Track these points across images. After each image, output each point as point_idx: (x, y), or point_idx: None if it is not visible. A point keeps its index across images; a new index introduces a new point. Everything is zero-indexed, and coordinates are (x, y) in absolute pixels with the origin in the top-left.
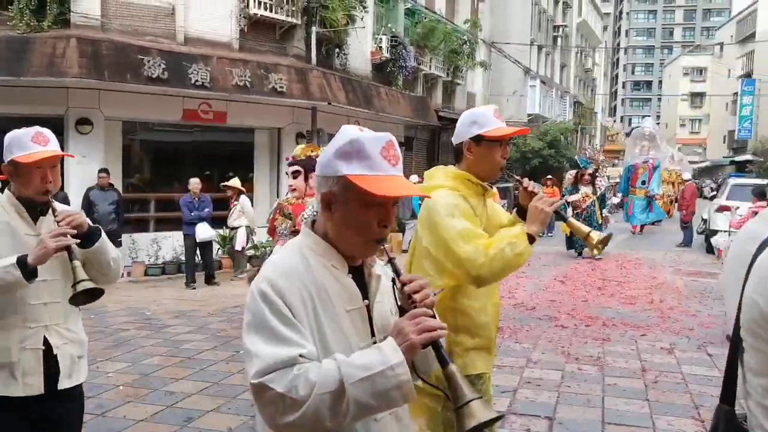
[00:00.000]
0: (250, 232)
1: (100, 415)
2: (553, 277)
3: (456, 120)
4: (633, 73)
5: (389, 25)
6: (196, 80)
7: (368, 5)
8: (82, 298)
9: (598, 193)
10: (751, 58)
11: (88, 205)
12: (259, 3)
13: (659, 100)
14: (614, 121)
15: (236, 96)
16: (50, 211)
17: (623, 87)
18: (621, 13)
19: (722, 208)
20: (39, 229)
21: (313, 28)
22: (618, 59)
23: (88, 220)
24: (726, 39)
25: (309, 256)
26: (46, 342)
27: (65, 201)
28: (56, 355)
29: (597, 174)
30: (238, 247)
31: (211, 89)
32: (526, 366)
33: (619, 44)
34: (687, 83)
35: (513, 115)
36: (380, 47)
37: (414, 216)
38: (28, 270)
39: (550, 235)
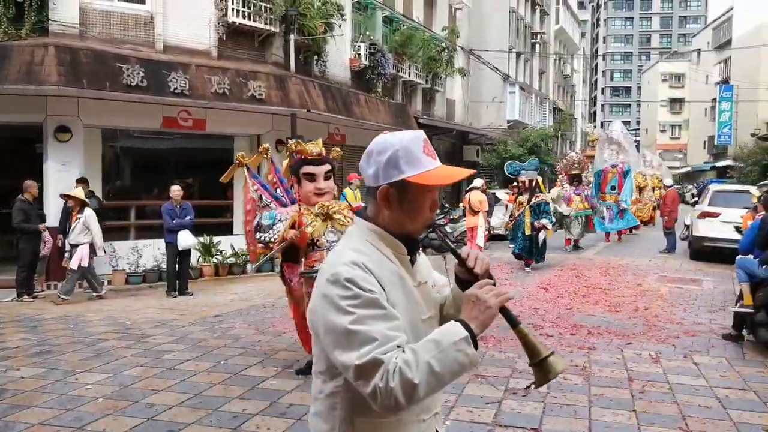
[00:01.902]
0: (92, 250)
1: (79, 429)
2: (537, 284)
3: (436, 127)
4: (612, 79)
5: (367, 32)
6: (176, 88)
7: (346, 13)
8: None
9: (533, 202)
10: (728, 64)
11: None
12: (238, 11)
13: (639, 105)
14: (594, 126)
15: (215, 103)
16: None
17: (602, 93)
18: (598, 20)
19: (704, 215)
20: (416, 275)
21: (292, 36)
22: (596, 65)
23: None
24: (702, 46)
25: None
26: None
27: (42, 214)
28: None
29: (581, 178)
30: (74, 266)
31: (191, 97)
32: (510, 376)
33: (597, 51)
34: (666, 89)
35: (493, 122)
36: (359, 54)
37: None
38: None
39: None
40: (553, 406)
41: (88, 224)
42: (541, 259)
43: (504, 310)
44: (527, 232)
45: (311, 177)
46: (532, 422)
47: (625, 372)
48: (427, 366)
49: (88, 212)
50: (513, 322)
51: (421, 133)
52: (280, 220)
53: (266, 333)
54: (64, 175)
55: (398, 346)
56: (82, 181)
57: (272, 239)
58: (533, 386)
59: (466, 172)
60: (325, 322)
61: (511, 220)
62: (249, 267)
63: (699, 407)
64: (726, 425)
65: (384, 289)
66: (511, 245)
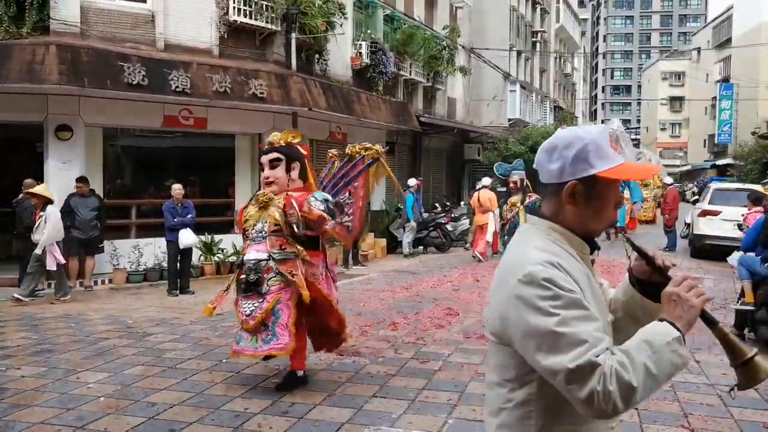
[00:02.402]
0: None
1: (80, 428)
2: None
3: (437, 125)
4: (612, 77)
5: (369, 31)
6: (177, 86)
7: (347, 12)
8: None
9: (527, 202)
10: (728, 62)
11: (68, 212)
12: (239, 10)
13: (639, 104)
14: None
15: (216, 102)
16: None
17: (603, 91)
18: (598, 18)
19: (705, 213)
20: (596, 276)
21: (293, 35)
22: (597, 64)
23: None
24: (702, 44)
25: None
26: None
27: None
28: None
29: None
30: (51, 267)
31: (192, 95)
32: None
33: (597, 49)
34: (666, 87)
35: (494, 120)
36: (360, 53)
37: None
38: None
39: None
40: None
41: (47, 221)
42: None
43: (702, 310)
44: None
45: (261, 167)
46: None
47: None
48: (643, 368)
49: (50, 209)
50: (712, 321)
51: (606, 127)
52: None
53: None
54: (64, 173)
55: (606, 348)
56: (82, 180)
57: None
58: (737, 389)
59: (655, 168)
60: (522, 325)
61: (503, 223)
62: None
63: (700, 405)
64: (728, 423)
65: (581, 290)
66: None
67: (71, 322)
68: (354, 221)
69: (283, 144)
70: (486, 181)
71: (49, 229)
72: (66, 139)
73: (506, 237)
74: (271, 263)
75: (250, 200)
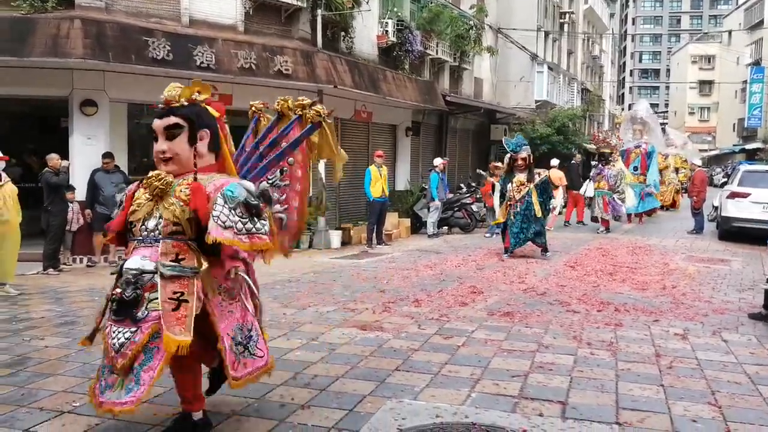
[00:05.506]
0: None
1: None
2: (564, 262)
3: (464, 105)
4: (640, 60)
5: (395, 9)
6: (202, 62)
7: None
8: None
9: (536, 181)
10: (759, 45)
11: (93, 188)
12: None
13: (667, 88)
14: (622, 109)
15: (242, 78)
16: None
17: (631, 75)
18: (627, 0)
19: (734, 195)
20: None
21: (319, 11)
22: (625, 47)
23: None
24: (734, 27)
25: None
26: None
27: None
28: None
29: (611, 159)
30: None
31: (217, 71)
32: (537, 350)
33: (626, 32)
34: (695, 71)
35: (521, 102)
36: (386, 31)
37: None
38: None
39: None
40: (580, 380)
41: None
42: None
43: None
44: (538, 214)
45: (155, 136)
46: (559, 395)
47: (652, 348)
48: None
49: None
50: None
51: None
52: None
53: (291, 306)
54: (89, 149)
55: None
56: (108, 156)
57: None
58: None
59: None
60: None
61: (509, 204)
62: None
63: (728, 383)
64: (756, 401)
65: None
66: (492, 232)
67: (95, 296)
68: (290, 213)
69: (185, 103)
70: (554, 162)
71: None
72: (91, 115)
73: (512, 219)
74: (157, 278)
75: (140, 181)
